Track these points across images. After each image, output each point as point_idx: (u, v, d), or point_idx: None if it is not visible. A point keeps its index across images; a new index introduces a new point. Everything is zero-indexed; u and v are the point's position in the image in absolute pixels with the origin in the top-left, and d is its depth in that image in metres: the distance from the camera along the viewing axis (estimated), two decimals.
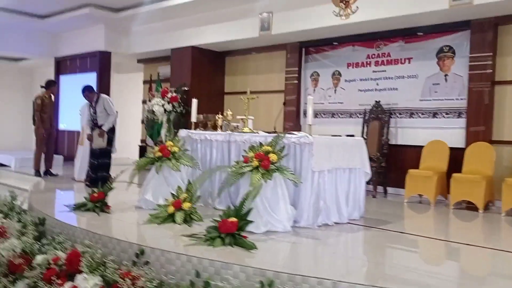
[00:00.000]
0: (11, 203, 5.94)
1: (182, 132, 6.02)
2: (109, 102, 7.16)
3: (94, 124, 7.22)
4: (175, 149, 5.50)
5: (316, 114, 8.79)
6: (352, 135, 5.97)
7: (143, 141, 11.66)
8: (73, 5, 10.03)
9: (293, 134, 5.20)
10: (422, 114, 7.37)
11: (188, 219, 4.65)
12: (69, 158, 11.69)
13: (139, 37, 10.90)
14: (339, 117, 8.41)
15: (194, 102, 6.04)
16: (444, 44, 7.15)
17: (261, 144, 4.80)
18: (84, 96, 7.23)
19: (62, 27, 11.39)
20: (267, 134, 5.24)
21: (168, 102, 9.45)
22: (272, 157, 4.50)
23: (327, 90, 8.60)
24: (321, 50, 8.70)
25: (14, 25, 11.18)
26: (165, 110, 9.43)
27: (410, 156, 7.41)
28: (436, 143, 6.95)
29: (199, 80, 9.98)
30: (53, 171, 8.58)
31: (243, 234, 3.95)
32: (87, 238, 4.15)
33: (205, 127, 6.18)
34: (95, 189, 5.26)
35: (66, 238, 4.21)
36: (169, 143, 5.58)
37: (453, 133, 7.01)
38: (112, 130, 7.31)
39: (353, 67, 8.25)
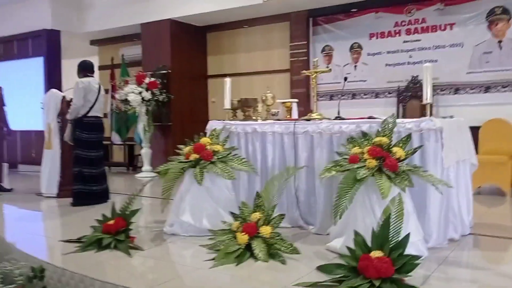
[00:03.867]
0: None
1: (215, 124, 4.40)
2: (77, 88, 5.30)
3: None
4: (218, 148, 3.91)
5: (331, 96, 7.48)
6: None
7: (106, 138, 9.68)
8: None
9: (380, 118, 3.84)
10: (471, 89, 6.29)
11: (273, 251, 3.13)
12: (12, 166, 9.44)
13: (96, 12, 8.88)
14: (362, 97, 7.14)
15: (227, 81, 4.44)
16: (496, 5, 6.08)
17: (365, 134, 3.38)
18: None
19: None
20: (352, 120, 3.80)
21: (146, 89, 7.66)
22: (398, 152, 3.10)
23: (345, 66, 7.29)
24: (334, 19, 7.34)
25: None
26: (143, 99, 7.64)
27: None
28: (496, 122, 5.88)
29: (180, 61, 8.26)
30: (5, 184, 6.54)
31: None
32: None
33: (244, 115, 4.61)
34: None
35: None
36: (205, 139, 3.98)
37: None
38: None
39: (377, 38, 6.99)
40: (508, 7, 6.00)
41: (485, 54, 6.18)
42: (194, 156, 3.84)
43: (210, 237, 3.51)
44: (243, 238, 3.18)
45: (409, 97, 6.55)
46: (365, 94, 7.11)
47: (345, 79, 4.97)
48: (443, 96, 6.47)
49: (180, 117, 8.23)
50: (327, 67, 7.43)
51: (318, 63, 7.47)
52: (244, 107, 4.55)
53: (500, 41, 6.08)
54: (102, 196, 5.41)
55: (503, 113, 5.98)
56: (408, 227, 3.09)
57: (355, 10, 7.08)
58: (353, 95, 7.19)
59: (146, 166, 8.06)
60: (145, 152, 8.02)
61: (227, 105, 4.43)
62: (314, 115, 4.05)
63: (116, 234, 3.46)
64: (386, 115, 6.02)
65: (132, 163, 9.23)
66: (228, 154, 3.90)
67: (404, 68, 6.73)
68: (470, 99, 6.25)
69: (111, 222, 3.55)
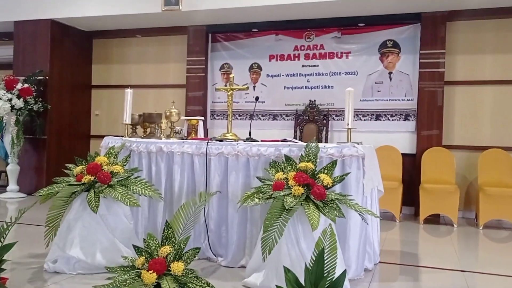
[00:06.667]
0: None
1: (112, 141, 3.82)
2: None
3: None
4: (117, 168, 3.36)
5: (227, 116, 7.20)
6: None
7: None
8: None
9: (295, 141, 3.68)
10: (364, 116, 6.52)
11: None
12: None
13: None
14: (260, 119, 7.00)
15: (128, 92, 3.91)
16: (388, 38, 6.42)
17: (288, 158, 3.13)
18: None
19: None
20: (271, 143, 3.54)
21: (18, 96, 6.64)
22: (326, 179, 2.90)
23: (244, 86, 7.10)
24: (234, 37, 7.15)
25: None
26: (12, 107, 6.60)
27: None
28: (387, 149, 6.14)
29: (61, 67, 7.35)
30: None
31: None
32: None
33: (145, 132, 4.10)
34: None
35: None
36: (102, 158, 3.41)
37: (400, 137, 6.34)
38: None
39: (276, 60, 6.94)
40: (398, 41, 6.38)
41: (377, 83, 6.47)
42: (88, 178, 3.25)
43: (106, 275, 2.93)
44: (150, 277, 2.67)
45: (306, 121, 6.57)
46: (262, 116, 7.00)
47: (257, 99, 4.76)
48: (337, 122, 6.60)
49: (57, 130, 7.29)
50: (226, 85, 7.22)
51: (216, 81, 7.31)
52: (147, 123, 4.05)
53: (390, 73, 6.42)
54: None
55: (392, 140, 6.30)
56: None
57: (255, 30, 6.98)
58: (251, 116, 7.03)
59: (12, 186, 6.96)
60: (11, 169, 6.91)
61: (127, 119, 3.89)
62: (228, 136, 3.72)
63: None
64: (281, 137, 5.94)
65: None
66: (130, 176, 3.38)
67: (302, 92, 6.77)
68: (363, 125, 6.46)
69: None
